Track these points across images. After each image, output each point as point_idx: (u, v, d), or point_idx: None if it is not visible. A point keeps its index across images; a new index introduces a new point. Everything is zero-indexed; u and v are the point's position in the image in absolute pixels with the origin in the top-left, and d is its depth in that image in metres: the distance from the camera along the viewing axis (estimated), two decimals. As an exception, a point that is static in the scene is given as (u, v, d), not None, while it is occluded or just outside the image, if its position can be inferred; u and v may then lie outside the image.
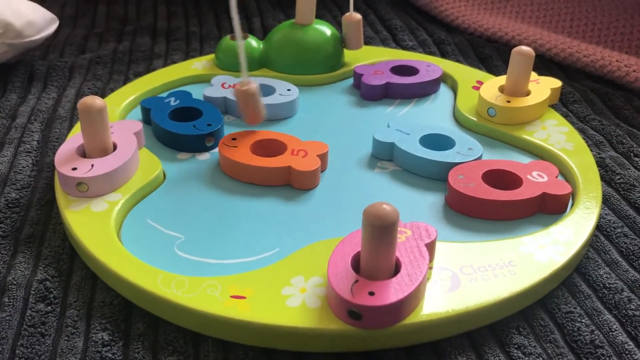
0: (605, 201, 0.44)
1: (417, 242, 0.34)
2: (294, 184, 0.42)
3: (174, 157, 0.45)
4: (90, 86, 0.59)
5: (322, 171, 0.44)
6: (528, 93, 0.50)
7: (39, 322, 0.34)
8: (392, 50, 0.64)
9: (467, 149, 0.44)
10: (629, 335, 0.34)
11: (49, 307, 0.35)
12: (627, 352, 0.33)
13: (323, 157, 0.43)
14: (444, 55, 0.67)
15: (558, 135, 0.47)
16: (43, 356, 0.32)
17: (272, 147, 0.44)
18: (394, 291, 0.31)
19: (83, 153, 0.42)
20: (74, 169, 0.40)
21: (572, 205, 0.41)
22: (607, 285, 0.37)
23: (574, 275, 0.38)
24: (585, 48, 0.64)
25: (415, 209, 0.41)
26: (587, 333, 0.34)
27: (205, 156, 0.46)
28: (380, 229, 0.30)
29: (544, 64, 0.65)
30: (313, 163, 0.42)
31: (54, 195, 0.42)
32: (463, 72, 0.57)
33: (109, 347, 0.32)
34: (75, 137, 0.43)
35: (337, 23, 0.74)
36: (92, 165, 0.40)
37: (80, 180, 0.39)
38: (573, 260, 0.37)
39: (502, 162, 0.43)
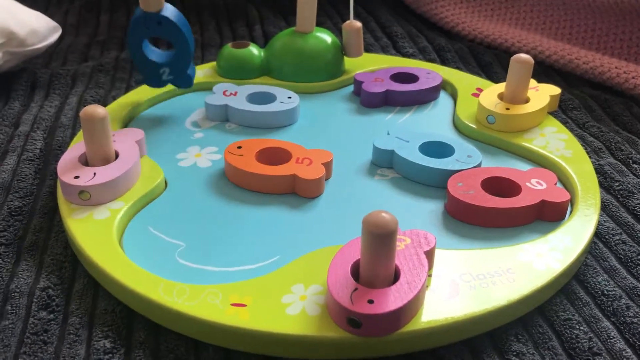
0: (604, 208, 0.44)
1: (416, 250, 0.34)
2: (299, 192, 0.43)
3: (175, 165, 0.46)
4: (92, 94, 0.60)
5: (326, 179, 0.44)
6: (527, 100, 0.50)
7: (42, 329, 0.34)
8: (392, 58, 0.64)
9: (466, 157, 0.44)
10: (627, 343, 0.34)
11: (52, 315, 0.35)
12: (625, 359, 0.33)
13: (327, 166, 0.44)
14: (444, 62, 0.67)
15: (557, 142, 0.47)
16: (45, 364, 0.32)
17: (277, 155, 0.45)
18: (393, 299, 0.31)
19: (85, 161, 0.42)
20: (76, 177, 0.40)
21: (571, 212, 0.41)
22: (606, 292, 0.37)
23: (573, 282, 0.38)
24: (585, 55, 0.65)
25: (415, 217, 0.41)
26: (585, 340, 0.34)
27: (207, 164, 0.46)
28: (380, 237, 0.30)
29: (544, 71, 0.66)
30: (318, 171, 0.42)
31: (57, 203, 0.42)
32: (463, 79, 0.58)
33: (110, 355, 0.33)
34: (78, 145, 0.43)
35: (337, 30, 0.75)
36: (95, 174, 0.40)
37: (83, 188, 0.39)
38: (571, 267, 0.37)
39: (501, 169, 0.43)
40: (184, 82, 0.52)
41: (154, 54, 0.50)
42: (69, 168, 0.41)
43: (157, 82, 0.51)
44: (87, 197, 0.40)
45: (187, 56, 0.50)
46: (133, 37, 0.48)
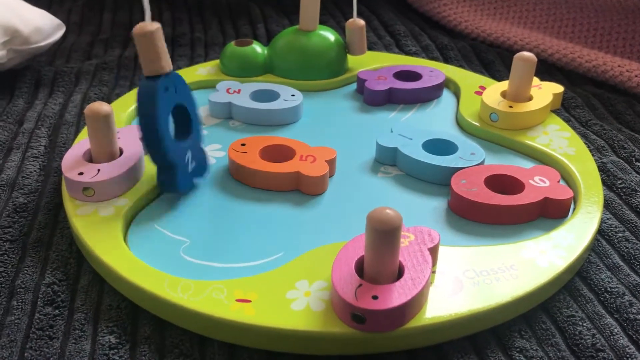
0: (607, 206, 0.44)
1: (420, 247, 0.34)
2: (302, 190, 0.43)
3: (179, 162, 0.46)
4: (96, 91, 0.60)
5: (330, 177, 0.44)
6: (530, 98, 0.50)
7: (47, 325, 0.34)
8: (395, 56, 0.64)
9: (469, 154, 0.44)
10: (630, 339, 0.34)
11: (57, 311, 0.35)
12: (628, 355, 0.33)
13: (331, 163, 0.44)
14: (447, 60, 0.68)
15: (560, 140, 0.48)
16: (51, 359, 0.32)
17: (281, 153, 0.45)
18: (397, 295, 0.31)
19: (90, 158, 0.42)
20: (81, 173, 0.40)
21: (574, 209, 0.41)
22: (609, 289, 0.37)
23: (576, 279, 0.38)
24: (588, 53, 0.65)
25: (418, 214, 0.41)
26: (588, 337, 0.34)
27: (211, 161, 0.46)
28: (384, 234, 0.30)
29: (547, 69, 0.66)
30: (322, 169, 0.43)
31: (61, 199, 0.42)
32: (466, 78, 0.58)
33: (116, 350, 0.33)
34: (82, 142, 0.43)
35: (340, 29, 0.75)
36: (99, 170, 0.40)
37: (87, 185, 0.40)
38: (575, 264, 0.37)
39: (504, 167, 0.43)
40: (201, 170, 0.42)
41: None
42: (73, 164, 0.41)
43: (187, 180, 0.40)
44: (91, 194, 0.40)
45: (198, 130, 0.41)
46: (160, 111, 0.36)
